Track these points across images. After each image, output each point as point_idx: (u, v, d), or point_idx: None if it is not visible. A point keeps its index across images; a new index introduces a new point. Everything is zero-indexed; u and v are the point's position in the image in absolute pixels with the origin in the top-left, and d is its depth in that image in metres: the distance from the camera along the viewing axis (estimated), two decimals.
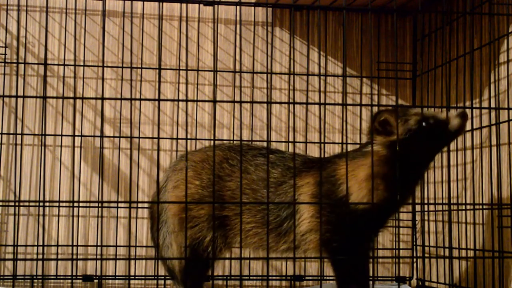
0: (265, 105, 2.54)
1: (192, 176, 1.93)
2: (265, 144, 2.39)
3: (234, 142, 2.46)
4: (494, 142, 2.11)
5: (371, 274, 2.52)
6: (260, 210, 1.89)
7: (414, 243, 2.55)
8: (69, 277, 2.39)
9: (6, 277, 2.37)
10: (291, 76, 2.56)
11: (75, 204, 2.41)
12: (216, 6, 2.49)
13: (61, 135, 2.44)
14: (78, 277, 2.39)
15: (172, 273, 2.00)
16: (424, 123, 1.80)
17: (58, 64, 2.46)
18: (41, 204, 2.38)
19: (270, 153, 1.96)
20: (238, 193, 1.89)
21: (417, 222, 2.56)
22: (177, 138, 2.48)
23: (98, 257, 2.41)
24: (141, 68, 2.51)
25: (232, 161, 1.94)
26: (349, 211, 1.81)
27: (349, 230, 1.83)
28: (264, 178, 1.90)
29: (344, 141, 2.51)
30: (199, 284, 1.94)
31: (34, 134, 2.44)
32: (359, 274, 1.88)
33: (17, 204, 2.39)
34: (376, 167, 1.81)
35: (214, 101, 2.44)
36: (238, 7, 2.47)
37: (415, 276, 2.56)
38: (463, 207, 2.27)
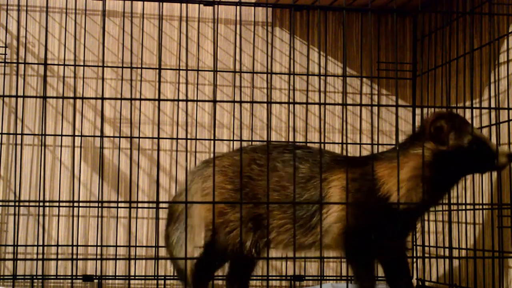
0: (265, 105, 2.54)
1: (223, 181, 1.93)
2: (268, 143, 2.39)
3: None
4: (494, 142, 2.11)
5: None
6: (290, 206, 1.89)
7: (414, 243, 2.55)
8: (69, 277, 2.39)
9: (6, 277, 2.37)
10: (291, 76, 2.56)
11: (75, 204, 2.41)
12: (216, 6, 2.49)
13: (61, 135, 2.44)
14: (78, 277, 2.39)
15: (182, 274, 1.99)
16: (475, 146, 1.83)
17: (58, 64, 2.46)
18: (41, 204, 2.38)
19: (296, 148, 1.96)
20: (270, 191, 1.89)
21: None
22: (177, 138, 2.48)
23: (98, 257, 2.41)
24: (141, 68, 2.51)
25: (260, 161, 1.94)
26: (387, 210, 1.84)
27: (382, 227, 1.86)
28: (293, 174, 1.89)
29: (344, 141, 2.51)
30: (244, 285, 1.97)
31: (34, 134, 2.44)
32: (372, 272, 1.91)
33: (17, 204, 2.39)
34: (418, 169, 1.83)
35: (214, 101, 2.44)
36: (238, 7, 2.47)
37: (415, 276, 2.56)
38: (463, 207, 2.27)
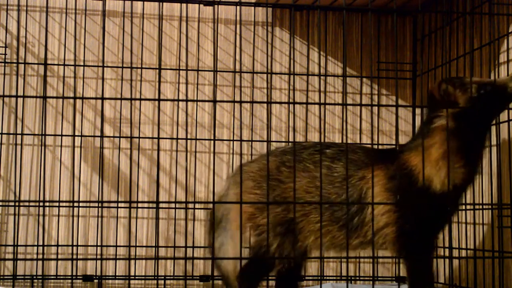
0: (265, 105, 2.54)
1: (252, 187, 1.93)
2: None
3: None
4: (494, 142, 2.11)
5: (370, 274, 2.52)
6: (328, 207, 1.88)
7: None
8: (69, 277, 2.39)
9: (6, 277, 2.37)
10: (291, 76, 2.56)
11: (75, 204, 2.41)
12: (216, 6, 2.49)
13: (61, 135, 2.44)
14: (78, 277, 2.39)
15: (227, 280, 1.98)
16: (482, 91, 1.82)
17: (58, 64, 2.46)
18: (41, 204, 2.38)
19: (325, 147, 1.95)
20: (302, 193, 1.89)
21: None
22: (177, 138, 2.48)
23: (98, 257, 2.41)
24: (141, 68, 2.51)
25: (290, 163, 1.92)
26: (432, 197, 1.82)
27: (431, 218, 1.83)
28: (327, 174, 1.89)
29: (344, 141, 2.51)
30: (255, 285, 1.97)
31: (34, 134, 2.44)
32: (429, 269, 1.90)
33: (17, 204, 2.39)
34: (446, 143, 1.81)
35: (214, 101, 2.44)
36: (238, 7, 2.47)
37: None
38: (463, 207, 2.27)
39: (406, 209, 1.83)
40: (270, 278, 2.48)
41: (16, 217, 2.39)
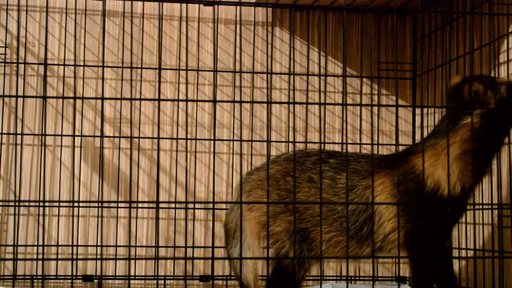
0: (265, 105, 2.54)
1: (262, 195, 1.93)
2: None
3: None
4: None
5: (370, 274, 2.52)
6: (337, 218, 1.87)
7: None
8: (69, 277, 2.39)
9: (6, 277, 2.37)
10: (291, 76, 2.56)
11: (75, 204, 2.41)
12: (216, 6, 2.49)
13: (61, 135, 2.44)
14: (78, 277, 2.39)
15: None
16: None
17: (58, 64, 2.46)
18: (41, 204, 2.38)
19: (328, 157, 1.94)
20: (310, 204, 1.88)
21: None
22: (177, 138, 2.48)
23: (98, 257, 2.41)
24: (141, 68, 2.51)
25: (295, 174, 1.92)
26: (440, 202, 1.80)
27: (438, 222, 1.82)
28: (331, 185, 1.88)
29: (344, 141, 2.51)
30: None
31: (34, 134, 2.44)
32: (442, 270, 1.88)
33: (17, 204, 2.39)
34: (467, 143, 1.79)
35: (214, 101, 2.44)
36: (238, 7, 2.47)
37: None
38: None
39: (412, 214, 1.82)
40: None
41: (16, 217, 2.39)
